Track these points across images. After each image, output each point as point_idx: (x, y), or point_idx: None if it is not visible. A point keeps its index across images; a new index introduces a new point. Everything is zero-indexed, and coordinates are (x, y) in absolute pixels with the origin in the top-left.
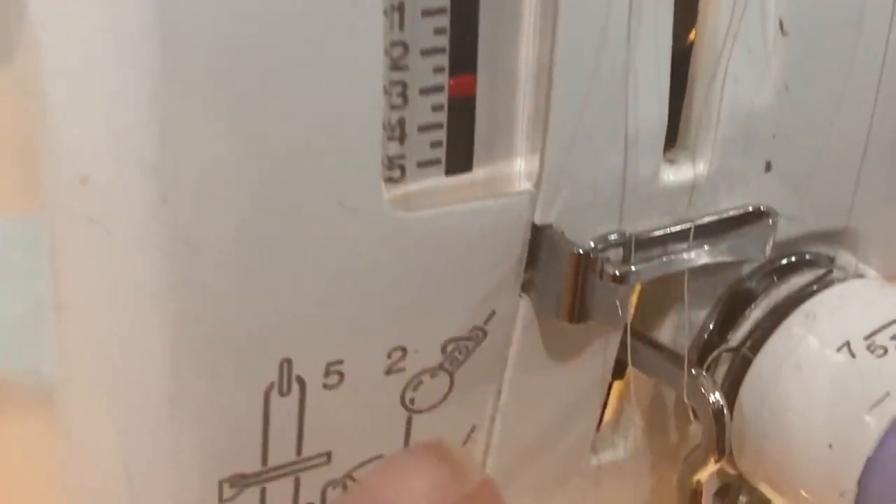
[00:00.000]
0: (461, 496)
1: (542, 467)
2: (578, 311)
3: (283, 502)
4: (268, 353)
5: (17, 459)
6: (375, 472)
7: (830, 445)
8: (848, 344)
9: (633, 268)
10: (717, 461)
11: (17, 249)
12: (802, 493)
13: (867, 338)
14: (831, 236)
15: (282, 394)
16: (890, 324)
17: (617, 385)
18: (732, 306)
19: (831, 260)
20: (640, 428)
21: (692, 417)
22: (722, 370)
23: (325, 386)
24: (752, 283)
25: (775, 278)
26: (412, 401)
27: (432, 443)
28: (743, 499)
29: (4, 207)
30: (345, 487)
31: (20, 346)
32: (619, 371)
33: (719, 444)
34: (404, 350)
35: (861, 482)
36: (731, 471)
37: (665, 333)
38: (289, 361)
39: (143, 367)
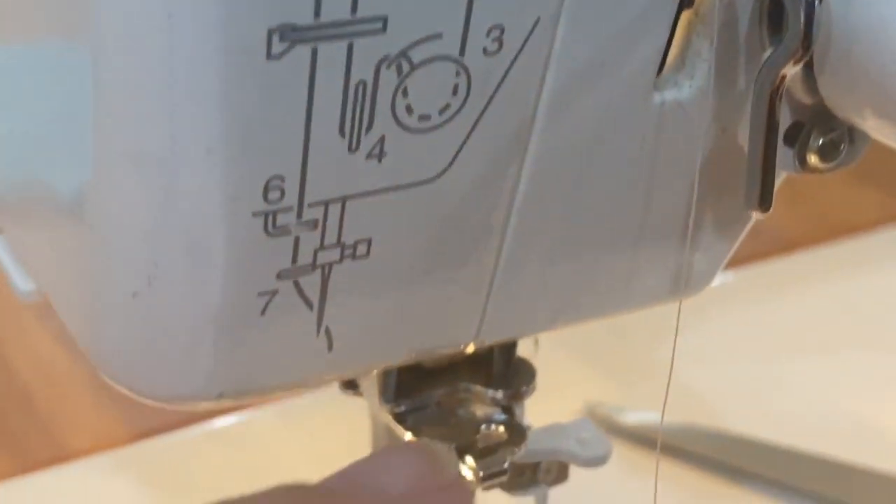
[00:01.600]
0: (437, 486)
1: (602, 91)
2: None
3: (335, 71)
4: None
5: None
6: (359, 460)
7: None
8: None
9: None
10: (799, 60)
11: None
12: None
13: None
14: None
15: None
16: None
17: (685, 15)
18: None
19: None
20: (707, 64)
21: (765, 45)
22: None
23: None
24: None
25: None
26: None
27: (415, 442)
28: (815, 142)
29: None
30: (399, 69)
31: (32, 163)
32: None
33: (806, 37)
34: None
35: None
36: (805, 100)
37: None
38: None
39: None
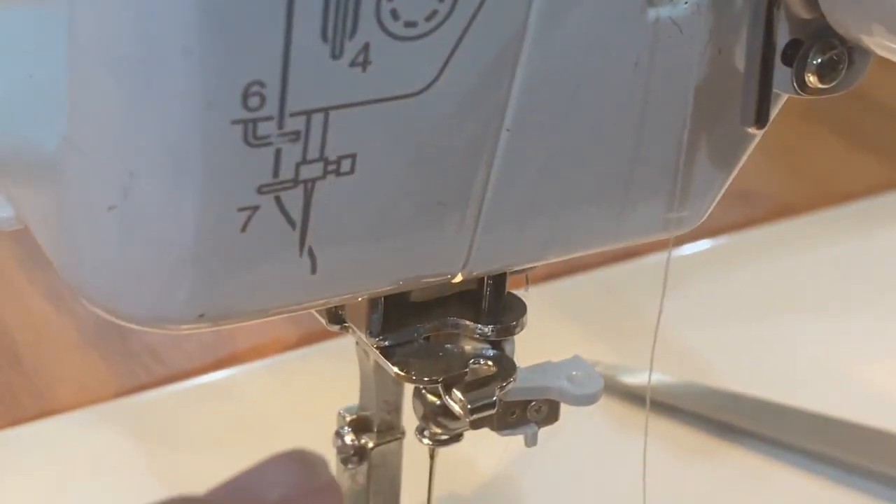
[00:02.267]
0: (310, 490)
1: (594, 2)
2: None
3: None
4: None
5: None
6: (242, 471)
7: None
8: None
9: None
10: None
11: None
12: None
13: None
14: None
15: None
16: None
17: None
18: None
19: None
20: None
21: None
22: None
23: None
24: None
25: None
26: None
27: (292, 451)
28: (814, 61)
29: None
30: None
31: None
32: None
33: None
34: None
35: None
36: (805, 15)
37: None
38: None
39: None
